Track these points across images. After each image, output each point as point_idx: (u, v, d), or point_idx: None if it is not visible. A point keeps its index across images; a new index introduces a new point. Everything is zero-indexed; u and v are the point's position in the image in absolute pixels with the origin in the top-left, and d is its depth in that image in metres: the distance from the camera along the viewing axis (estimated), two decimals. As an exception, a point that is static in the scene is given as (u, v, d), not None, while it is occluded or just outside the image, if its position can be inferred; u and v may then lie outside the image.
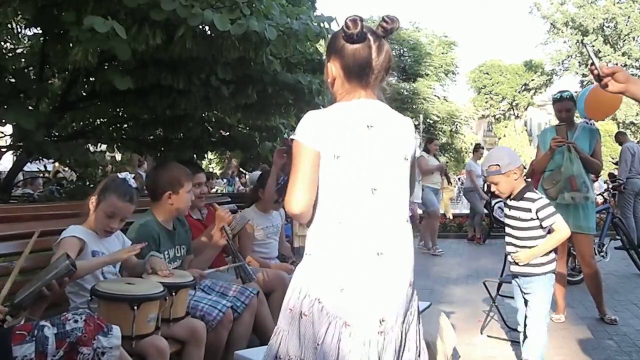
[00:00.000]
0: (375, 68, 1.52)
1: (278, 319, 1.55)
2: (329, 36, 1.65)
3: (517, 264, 2.77)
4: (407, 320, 1.53)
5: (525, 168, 2.89)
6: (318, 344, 1.41)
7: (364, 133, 1.49)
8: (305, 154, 1.46)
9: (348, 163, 1.46)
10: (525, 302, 2.79)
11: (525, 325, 2.77)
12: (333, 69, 1.55)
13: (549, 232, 2.70)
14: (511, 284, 2.93)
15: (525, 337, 2.77)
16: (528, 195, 2.77)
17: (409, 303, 1.53)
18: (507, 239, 2.87)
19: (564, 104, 3.90)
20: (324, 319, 1.42)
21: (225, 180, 14.17)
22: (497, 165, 2.80)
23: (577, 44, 28.45)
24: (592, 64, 1.78)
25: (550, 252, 2.75)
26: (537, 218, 2.71)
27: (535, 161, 4.10)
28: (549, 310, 2.78)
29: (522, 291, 2.80)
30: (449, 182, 10.98)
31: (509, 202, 2.85)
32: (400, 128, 1.56)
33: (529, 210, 2.73)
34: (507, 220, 2.88)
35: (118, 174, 2.37)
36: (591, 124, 4.21)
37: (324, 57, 4.26)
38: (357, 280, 1.43)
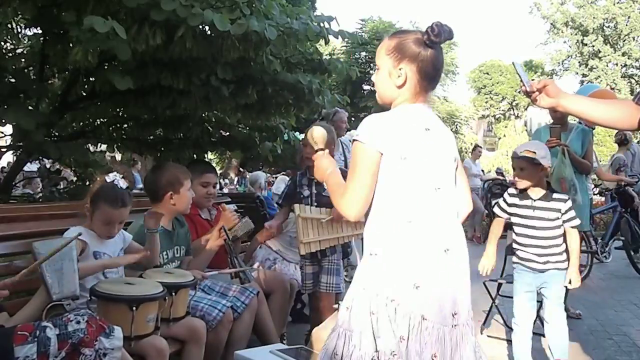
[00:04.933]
0: (441, 74, 1.63)
1: (337, 319, 1.58)
2: (400, 35, 1.64)
3: (537, 262, 2.82)
4: (468, 313, 1.60)
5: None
6: (401, 339, 1.45)
7: (423, 135, 1.56)
8: (368, 155, 1.51)
9: (414, 164, 1.52)
10: (538, 301, 2.89)
11: (541, 321, 2.87)
12: (408, 72, 1.58)
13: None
14: (512, 283, 2.96)
15: (536, 335, 2.86)
16: (557, 196, 2.82)
17: (469, 297, 1.61)
18: (528, 240, 2.86)
19: None
20: (400, 316, 1.46)
21: (235, 180, 14.14)
22: (534, 152, 2.78)
23: (577, 44, 28.45)
24: (521, 81, 1.80)
25: (565, 250, 2.84)
26: (561, 218, 2.77)
27: None
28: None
29: (534, 288, 2.86)
30: None
31: (533, 203, 2.83)
32: (447, 131, 1.67)
33: (559, 211, 2.77)
34: (528, 222, 2.85)
35: (106, 177, 2.35)
36: (584, 124, 4.23)
37: (325, 57, 4.23)
38: (431, 276, 1.50)
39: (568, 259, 2.84)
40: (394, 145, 1.51)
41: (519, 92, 34.00)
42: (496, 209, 3.02)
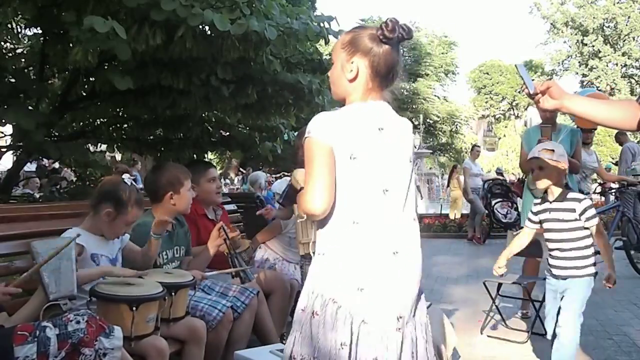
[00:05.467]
0: (398, 72, 1.57)
1: (293, 320, 1.56)
2: (356, 29, 1.61)
3: (559, 267, 2.74)
4: (418, 315, 1.57)
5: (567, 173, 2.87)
6: (339, 344, 1.43)
7: (375, 135, 1.52)
8: (322, 150, 1.47)
9: (363, 164, 1.49)
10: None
11: (556, 324, 2.74)
12: (361, 66, 1.54)
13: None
14: (516, 284, 2.91)
15: (554, 337, 2.73)
16: (572, 195, 2.75)
17: (420, 298, 1.57)
18: (549, 244, 2.81)
19: None
20: (340, 318, 1.44)
21: (236, 179, 14.15)
22: (552, 150, 2.75)
23: (577, 44, 28.45)
24: (524, 83, 1.78)
25: (589, 256, 2.72)
26: (580, 219, 2.68)
27: (521, 161, 4.16)
28: (580, 318, 2.70)
29: (558, 295, 2.77)
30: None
31: (549, 205, 2.78)
32: (404, 131, 1.60)
33: (574, 211, 2.70)
34: (547, 224, 2.80)
35: (123, 177, 2.35)
36: (576, 124, 4.26)
37: (325, 57, 4.22)
38: (376, 279, 1.46)
39: (593, 265, 2.72)
40: (344, 143, 1.47)
41: (519, 92, 34.07)
42: (526, 222, 2.96)
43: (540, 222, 2.85)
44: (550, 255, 2.82)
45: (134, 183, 2.34)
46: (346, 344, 1.42)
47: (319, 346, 1.45)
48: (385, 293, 1.46)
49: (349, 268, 1.46)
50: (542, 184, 2.77)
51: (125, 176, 2.35)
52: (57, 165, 7.33)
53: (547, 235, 2.83)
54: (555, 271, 2.77)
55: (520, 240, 3.00)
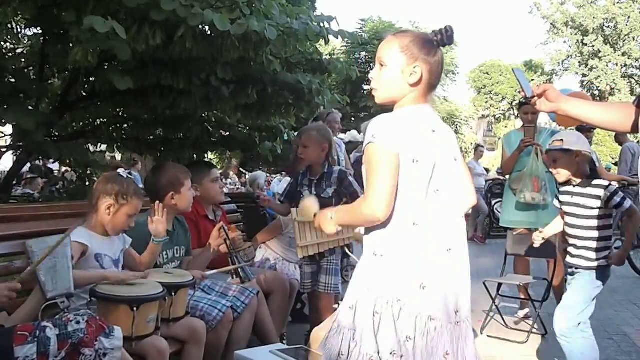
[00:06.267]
0: (441, 76, 1.64)
1: (337, 318, 1.60)
2: (412, 33, 1.62)
3: (570, 254, 2.64)
4: (468, 310, 1.63)
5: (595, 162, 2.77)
6: (407, 338, 1.47)
7: (430, 137, 1.57)
8: (388, 157, 1.50)
9: (423, 167, 1.53)
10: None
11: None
12: (424, 71, 1.57)
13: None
14: (512, 283, 2.90)
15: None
16: (597, 182, 2.62)
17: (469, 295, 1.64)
18: (567, 229, 2.73)
19: (531, 107, 3.94)
20: (405, 316, 1.48)
21: (236, 180, 14.13)
22: (561, 140, 2.66)
23: (577, 44, 28.44)
24: (521, 87, 1.82)
25: (602, 249, 2.59)
26: (609, 206, 2.57)
27: (503, 162, 4.20)
28: (580, 314, 2.60)
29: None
30: None
31: (572, 188, 2.69)
32: (450, 131, 1.69)
33: (598, 198, 2.59)
34: (567, 208, 2.71)
35: (118, 172, 2.36)
36: (555, 125, 4.29)
37: (325, 57, 4.22)
38: (436, 276, 1.53)
39: (604, 258, 2.60)
40: (407, 147, 1.52)
41: (519, 92, 34.02)
42: (555, 204, 2.88)
43: (561, 204, 2.76)
44: (567, 243, 2.73)
45: (129, 176, 2.34)
46: (411, 338, 1.48)
47: (380, 343, 1.48)
48: (445, 289, 1.53)
49: (411, 267, 1.52)
50: (561, 176, 2.69)
51: (120, 170, 2.36)
52: (56, 165, 7.34)
53: (566, 219, 2.76)
54: (568, 259, 2.68)
55: (558, 221, 2.88)
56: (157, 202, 2.50)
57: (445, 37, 1.56)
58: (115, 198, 2.23)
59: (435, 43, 1.58)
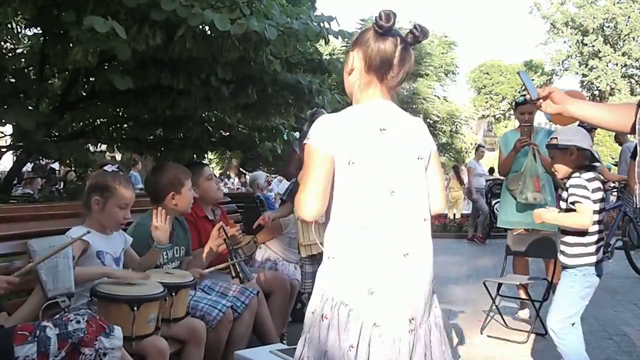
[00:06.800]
0: (395, 68, 1.55)
1: (304, 324, 1.57)
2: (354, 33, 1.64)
3: (561, 252, 2.60)
4: (432, 316, 1.56)
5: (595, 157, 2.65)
6: (348, 346, 1.42)
7: (377, 137, 1.51)
8: (320, 158, 1.48)
9: (363, 168, 1.48)
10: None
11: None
12: (355, 58, 1.57)
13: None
14: (512, 283, 2.89)
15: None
16: (577, 174, 2.57)
17: (432, 299, 1.57)
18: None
19: (527, 107, 3.95)
20: (351, 321, 1.44)
21: (236, 180, 14.14)
22: (556, 138, 2.68)
23: (577, 44, 28.44)
24: (526, 89, 1.81)
25: (587, 245, 2.51)
26: (566, 197, 2.54)
27: (499, 163, 4.20)
28: (573, 314, 2.52)
29: None
30: (462, 183, 11.07)
31: (565, 184, 2.67)
32: (413, 129, 1.60)
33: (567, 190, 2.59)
34: (561, 204, 2.68)
35: (104, 168, 2.35)
36: (550, 125, 4.29)
37: (325, 57, 4.23)
38: (387, 281, 1.46)
39: (590, 255, 2.51)
40: (342, 149, 1.47)
41: (519, 92, 34.09)
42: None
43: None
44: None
45: (115, 169, 2.33)
46: (354, 346, 1.42)
47: (327, 349, 1.45)
48: (396, 295, 1.46)
49: (359, 271, 1.46)
50: (560, 173, 2.70)
51: (107, 167, 2.35)
52: (57, 165, 7.34)
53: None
54: (559, 257, 2.65)
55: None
56: (160, 207, 2.47)
57: (379, 21, 1.49)
58: (100, 192, 2.24)
59: (375, 31, 1.52)
